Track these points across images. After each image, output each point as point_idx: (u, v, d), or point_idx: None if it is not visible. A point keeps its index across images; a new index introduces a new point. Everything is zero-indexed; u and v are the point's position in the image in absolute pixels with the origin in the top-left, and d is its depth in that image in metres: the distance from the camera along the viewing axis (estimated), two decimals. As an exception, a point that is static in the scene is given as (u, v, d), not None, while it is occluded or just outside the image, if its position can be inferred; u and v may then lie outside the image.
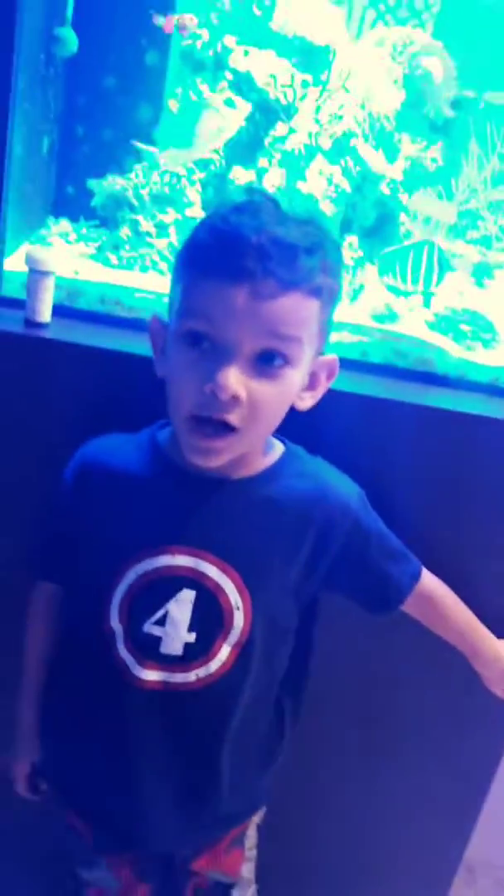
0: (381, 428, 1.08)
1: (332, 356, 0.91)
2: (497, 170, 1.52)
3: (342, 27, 1.26)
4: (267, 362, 0.81)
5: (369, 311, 1.20)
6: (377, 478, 1.03)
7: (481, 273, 1.47)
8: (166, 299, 0.88)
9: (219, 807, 1.00)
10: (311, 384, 0.90)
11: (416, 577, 1.02)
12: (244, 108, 1.20)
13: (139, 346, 1.05)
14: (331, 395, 0.95)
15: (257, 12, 1.21)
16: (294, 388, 0.86)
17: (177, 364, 0.84)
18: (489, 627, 1.11)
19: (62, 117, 1.34)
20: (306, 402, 0.90)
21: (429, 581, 1.05)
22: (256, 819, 1.12)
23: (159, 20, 1.20)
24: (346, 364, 1.12)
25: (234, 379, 0.80)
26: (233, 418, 0.82)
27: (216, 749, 0.96)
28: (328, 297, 0.84)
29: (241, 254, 0.78)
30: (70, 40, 1.18)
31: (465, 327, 1.22)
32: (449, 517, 1.12)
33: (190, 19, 1.19)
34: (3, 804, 1.16)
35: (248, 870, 1.12)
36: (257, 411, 0.83)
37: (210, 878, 1.07)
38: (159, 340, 0.90)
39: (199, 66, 1.30)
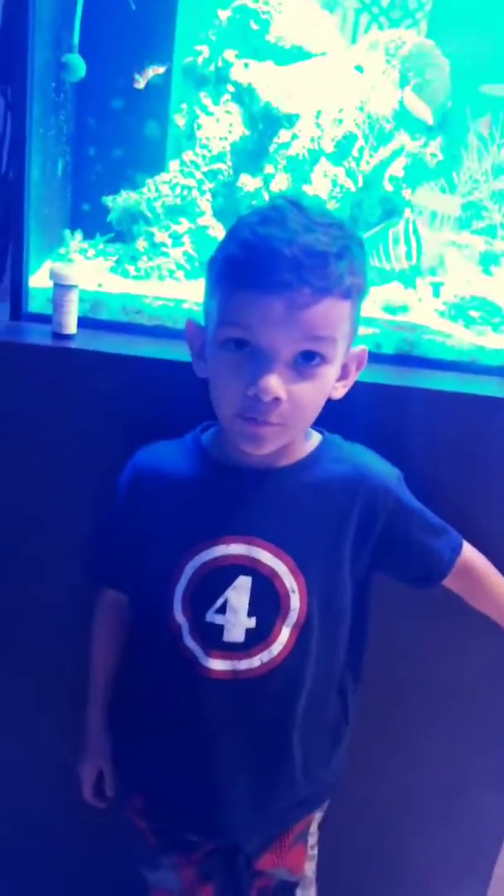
0: (399, 415, 1.13)
1: (361, 347, 0.96)
2: (497, 161, 1.57)
3: (336, 34, 1.31)
4: (305, 363, 0.87)
5: (381, 303, 1.24)
6: (401, 463, 1.08)
7: (488, 261, 1.50)
8: (186, 305, 0.93)
9: (293, 791, 1.04)
10: (343, 375, 0.95)
11: (458, 549, 1.07)
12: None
13: (162, 351, 1.11)
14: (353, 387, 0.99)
15: (254, 26, 1.26)
16: (330, 383, 0.91)
17: (219, 368, 0.89)
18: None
19: (74, 139, 1.40)
20: (339, 391, 0.96)
21: (470, 554, 1.09)
22: (318, 816, 1.14)
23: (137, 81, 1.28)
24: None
25: (276, 384, 0.85)
26: (275, 418, 0.87)
27: (287, 734, 1.01)
28: (357, 295, 0.89)
29: (275, 267, 0.82)
30: (78, 66, 1.24)
31: (474, 313, 1.26)
32: (468, 498, 1.16)
33: (154, 70, 1.26)
34: (70, 807, 1.21)
35: (310, 868, 1.15)
36: (299, 408, 0.88)
37: (275, 877, 1.10)
38: (197, 342, 0.95)
39: (201, 81, 1.35)
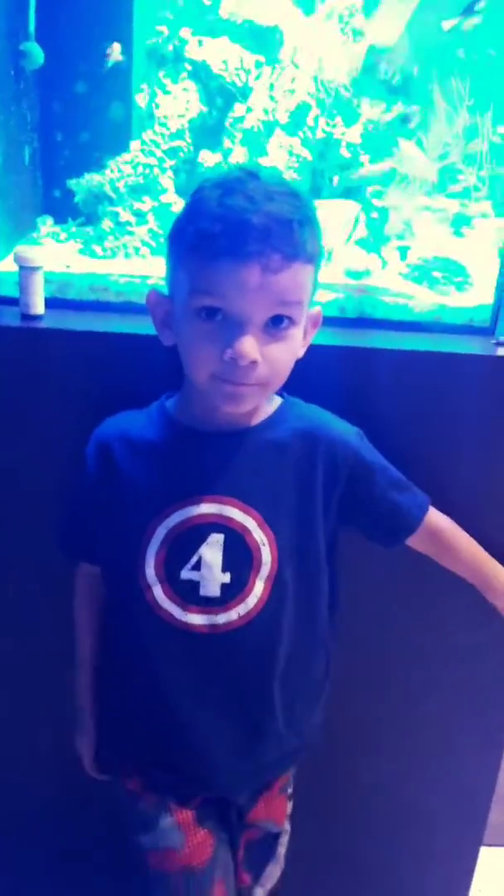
0: (364, 376, 1.16)
1: (317, 308, 1.01)
2: (468, 123, 1.58)
3: (290, 5, 1.33)
4: (275, 326, 0.91)
5: (342, 268, 1.26)
6: (366, 422, 1.11)
7: (460, 223, 1.52)
8: (151, 281, 0.96)
9: (277, 743, 1.07)
10: (304, 337, 0.99)
11: (425, 507, 1.10)
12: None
13: (129, 326, 1.14)
14: (316, 349, 1.03)
15: (207, 2, 1.28)
16: (299, 343, 0.97)
17: (192, 335, 0.93)
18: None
19: (40, 126, 1.43)
20: (301, 351, 1.00)
21: (437, 514, 1.13)
22: (293, 769, 1.19)
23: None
24: (327, 321, 1.20)
25: (251, 347, 0.89)
26: (253, 380, 0.92)
27: (268, 685, 1.04)
28: (317, 260, 0.94)
29: (247, 236, 0.86)
30: (36, 53, 1.27)
31: (437, 274, 1.28)
32: (435, 456, 1.18)
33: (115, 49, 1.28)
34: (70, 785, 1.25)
35: (287, 823, 1.19)
36: (274, 368, 0.93)
37: (261, 828, 1.14)
38: (160, 311, 0.99)
39: (161, 61, 1.38)
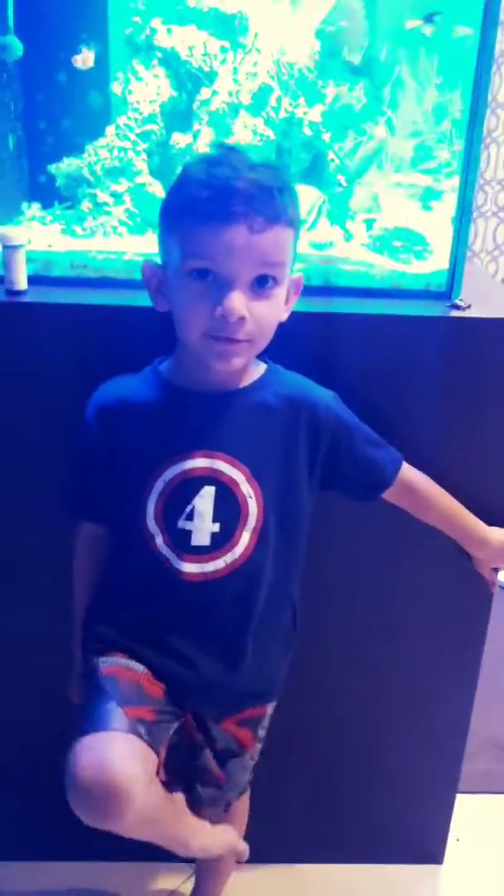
0: (329, 339, 1.24)
1: (298, 274, 1.11)
2: (437, 101, 1.64)
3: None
4: (261, 286, 1.02)
5: (308, 240, 1.34)
6: (333, 384, 1.19)
7: (429, 197, 1.59)
8: (127, 257, 1.12)
9: (242, 683, 1.17)
10: (286, 301, 1.09)
11: (399, 462, 1.20)
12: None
13: (108, 299, 1.23)
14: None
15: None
16: (282, 303, 1.07)
17: (185, 296, 1.03)
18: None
19: (24, 115, 1.51)
20: (284, 315, 1.10)
21: (410, 468, 1.22)
22: (268, 712, 1.27)
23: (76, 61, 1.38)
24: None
25: (239, 304, 0.99)
26: (243, 335, 1.02)
27: (244, 630, 1.14)
28: (297, 225, 1.04)
29: (232, 200, 0.96)
30: (15, 46, 1.34)
31: (396, 243, 1.36)
32: (400, 416, 1.26)
33: (86, 55, 1.36)
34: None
35: (251, 755, 1.26)
36: (261, 325, 1.03)
37: (221, 742, 1.21)
38: (154, 281, 1.09)
39: (135, 49, 1.46)
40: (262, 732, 1.26)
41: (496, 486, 1.31)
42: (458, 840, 1.65)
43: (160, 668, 1.14)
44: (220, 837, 1.27)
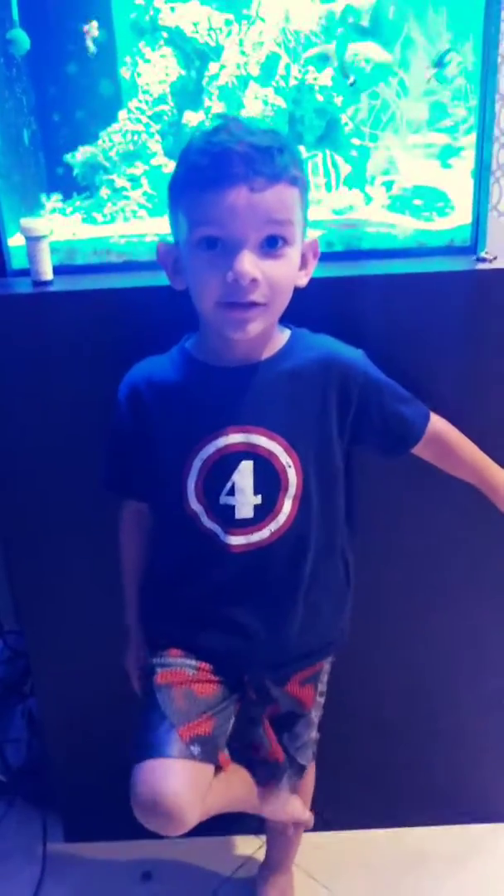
0: (356, 302, 1.24)
1: (313, 238, 1.10)
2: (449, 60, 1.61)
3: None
4: (271, 246, 1.01)
5: (329, 207, 1.34)
6: (361, 345, 1.18)
7: (448, 155, 1.57)
8: (149, 239, 1.14)
9: (299, 642, 1.18)
10: (303, 264, 1.08)
11: (427, 416, 1.20)
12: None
13: (133, 281, 1.24)
14: (310, 282, 1.11)
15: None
16: (296, 265, 1.05)
17: (197, 266, 1.03)
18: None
19: (37, 108, 1.52)
20: (302, 280, 1.09)
21: (438, 421, 1.21)
22: (327, 668, 1.30)
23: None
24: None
25: (250, 265, 0.99)
26: (257, 297, 1.01)
27: (294, 592, 1.16)
28: (303, 186, 1.04)
29: (230, 162, 0.96)
30: (22, 40, 1.35)
31: (417, 202, 1.35)
32: (427, 372, 1.25)
33: (93, 26, 1.36)
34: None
35: (315, 713, 1.30)
36: (275, 287, 1.02)
37: (284, 705, 1.25)
38: (169, 260, 1.09)
39: (141, 32, 1.46)
40: (321, 687, 1.28)
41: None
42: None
43: (218, 646, 1.16)
44: (286, 807, 1.29)
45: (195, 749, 1.09)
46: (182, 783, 1.06)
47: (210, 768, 1.12)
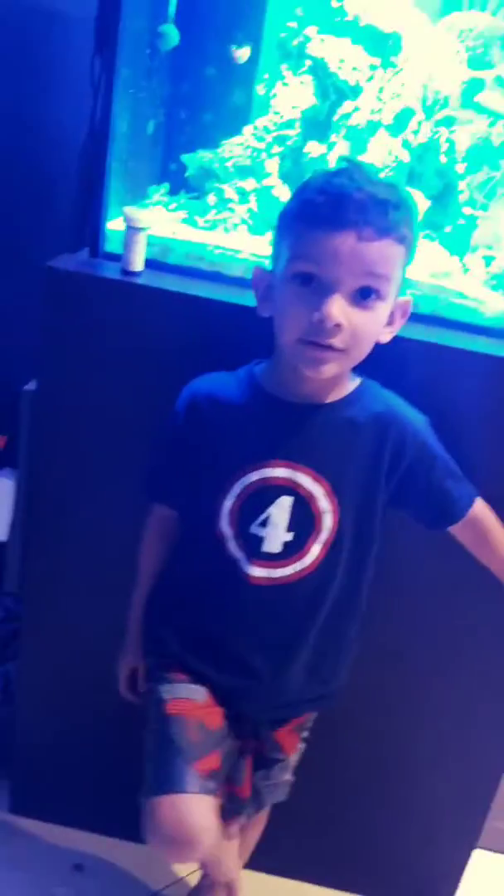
0: (428, 368, 1.23)
1: (406, 297, 1.09)
2: None
3: (414, 14, 1.40)
4: (364, 297, 1.01)
5: (425, 268, 1.33)
6: (430, 414, 1.18)
7: None
8: (242, 256, 1.17)
9: (299, 687, 1.19)
10: (390, 321, 1.08)
11: (473, 498, 1.18)
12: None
13: (216, 293, 1.25)
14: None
15: (335, 4, 1.37)
16: (383, 320, 1.06)
17: (287, 299, 1.04)
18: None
19: (168, 103, 1.54)
20: (386, 336, 1.09)
21: (483, 507, 1.20)
22: (313, 716, 1.30)
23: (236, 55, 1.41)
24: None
25: (338, 310, 1.00)
26: (337, 342, 1.02)
27: (305, 636, 1.15)
28: (409, 245, 1.04)
29: (345, 207, 0.97)
30: (172, 35, 1.38)
31: (514, 284, 1.34)
32: (487, 452, 1.25)
33: (245, 51, 1.38)
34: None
35: (294, 759, 1.30)
36: (357, 336, 1.02)
37: (268, 747, 1.25)
38: (262, 285, 1.10)
39: (286, 54, 1.47)
40: (305, 734, 1.29)
41: None
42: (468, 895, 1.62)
43: (220, 679, 1.17)
44: (222, 856, 1.31)
45: (211, 784, 1.11)
46: (206, 818, 1.09)
47: (219, 802, 1.14)
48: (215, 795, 1.12)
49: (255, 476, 1.10)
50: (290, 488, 1.09)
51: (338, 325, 1.00)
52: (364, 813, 1.53)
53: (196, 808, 1.08)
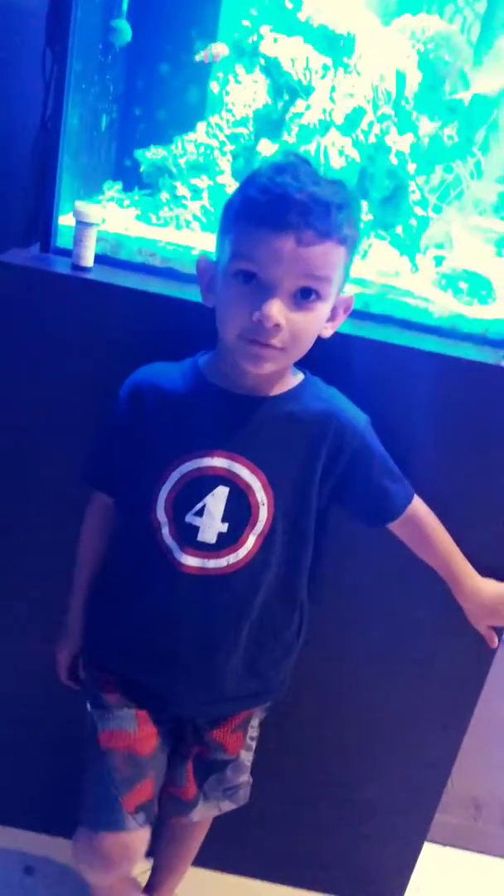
0: (374, 366, 1.24)
1: (349, 294, 1.10)
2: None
3: (367, 15, 1.41)
4: (304, 298, 1.01)
5: (375, 268, 1.35)
6: (371, 412, 1.19)
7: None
8: (195, 252, 1.14)
9: (237, 683, 1.18)
10: (332, 316, 1.09)
11: (410, 498, 1.19)
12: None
13: (169, 290, 1.25)
14: (337, 337, 1.12)
15: (289, 5, 1.38)
16: (322, 319, 1.06)
17: (228, 297, 1.04)
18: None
19: (122, 98, 1.54)
20: (328, 331, 1.09)
21: (421, 505, 1.21)
22: (260, 714, 1.29)
23: (199, 56, 1.40)
24: (352, 313, 1.28)
25: (277, 311, 0.99)
26: (276, 342, 1.02)
27: (238, 629, 1.15)
28: (351, 245, 1.03)
29: (287, 209, 0.97)
30: (125, 31, 1.38)
31: (462, 285, 1.36)
32: (429, 450, 1.26)
33: (222, 48, 1.38)
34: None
35: (245, 757, 1.29)
36: (296, 336, 1.02)
37: (211, 749, 1.25)
38: (206, 276, 1.09)
39: (241, 53, 1.48)
40: (252, 732, 1.28)
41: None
42: (418, 889, 1.63)
43: (154, 679, 1.17)
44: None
45: (140, 818, 1.16)
46: (126, 855, 1.16)
47: (149, 830, 1.18)
48: (144, 826, 1.17)
49: (192, 465, 1.10)
50: (228, 479, 1.09)
51: (277, 326, 1.00)
52: (316, 811, 1.54)
53: (119, 845, 1.15)
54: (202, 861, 1.49)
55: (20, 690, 1.48)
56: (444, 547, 1.23)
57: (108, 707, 1.19)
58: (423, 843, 1.56)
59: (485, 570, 1.27)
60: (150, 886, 1.47)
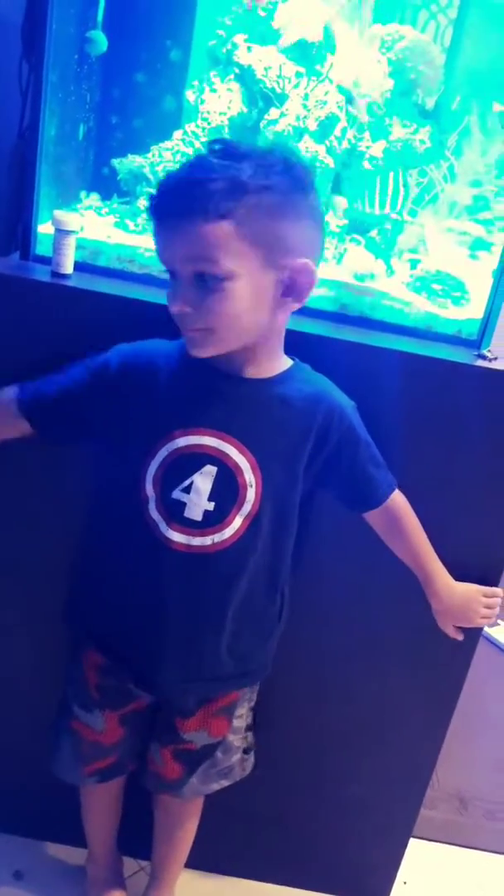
0: (353, 369, 1.26)
1: (302, 261, 1.02)
2: (501, 155, 1.67)
3: (340, 25, 1.44)
4: (205, 281, 1.01)
5: (350, 270, 1.37)
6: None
7: (478, 247, 1.62)
8: None
9: (219, 664, 1.20)
10: (289, 289, 1.04)
11: (394, 486, 1.22)
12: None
13: (148, 295, 1.26)
14: (315, 340, 1.17)
15: (262, 13, 1.40)
16: (244, 297, 1.01)
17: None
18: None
19: (99, 108, 1.56)
20: (292, 305, 1.07)
21: (401, 497, 1.24)
22: (248, 698, 1.31)
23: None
24: (328, 316, 1.31)
25: (179, 298, 1.03)
26: (194, 327, 1.04)
27: (222, 611, 1.17)
28: (246, 214, 0.97)
29: (163, 199, 1.00)
30: (100, 41, 1.39)
31: (436, 286, 1.38)
32: (409, 445, 1.28)
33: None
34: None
35: (236, 739, 1.31)
36: (215, 316, 1.02)
37: (197, 742, 1.27)
38: None
39: (216, 61, 1.50)
40: (237, 722, 1.30)
41: (486, 544, 1.32)
42: (405, 883, 1.65)
43: (132, 649, 1.20)
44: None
45: (94, 778, 1.33)
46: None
47: (114, 783, 1.35)
48: (96, 784, 1.35)
49: (182, 441, 1.11)
50: (217, 458, 1.11)
51: (182, 313, 1.03)
52: (300, 809, 1.55)
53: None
54: (191, 862, 1.50)
55: (7, 697, 1.49)
56: (420, 543, 1.26)
57: (86, 694, 1.27)
58: (409, 838, 1.58)
59: (455, 571, 1.30)
60: (150, 886, 1.48)
